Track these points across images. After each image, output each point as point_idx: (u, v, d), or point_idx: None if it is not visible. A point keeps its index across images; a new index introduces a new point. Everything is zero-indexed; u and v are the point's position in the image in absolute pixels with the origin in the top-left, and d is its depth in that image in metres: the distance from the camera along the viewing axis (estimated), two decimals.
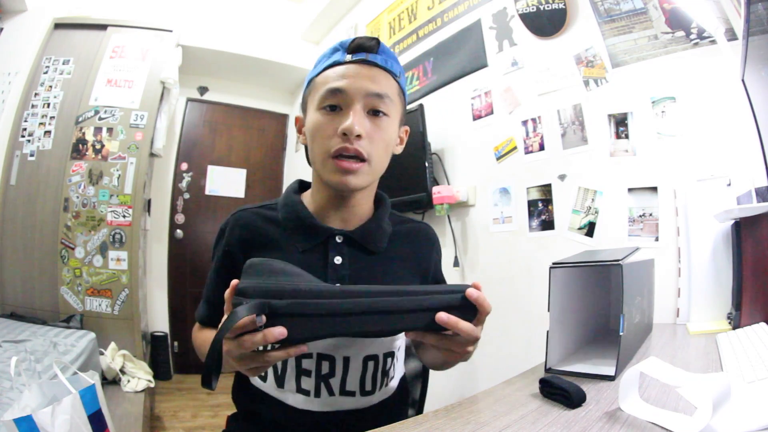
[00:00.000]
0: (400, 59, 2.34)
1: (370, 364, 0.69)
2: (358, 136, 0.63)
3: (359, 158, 0.65)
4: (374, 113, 0.66)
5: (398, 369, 0.78)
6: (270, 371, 0.69)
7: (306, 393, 0.67)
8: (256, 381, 0.72)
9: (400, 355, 0.78)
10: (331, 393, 0.67)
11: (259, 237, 0.71)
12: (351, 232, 0.71)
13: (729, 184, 1.05)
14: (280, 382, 0.68)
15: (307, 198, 0.75)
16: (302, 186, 0.78)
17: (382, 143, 0.68)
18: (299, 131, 0.75)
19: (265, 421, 0.71)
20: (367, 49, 0.67)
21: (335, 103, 0.65)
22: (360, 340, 0.68)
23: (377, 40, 0.68)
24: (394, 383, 0.76)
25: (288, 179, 3.77)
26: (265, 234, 0.71)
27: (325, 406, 0.68)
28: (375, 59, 0.67)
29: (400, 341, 0.76)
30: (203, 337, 0.72)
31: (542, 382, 0.59)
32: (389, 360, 0.72)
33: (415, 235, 0.79)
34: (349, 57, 0.67)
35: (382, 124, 0.67)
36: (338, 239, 0.70)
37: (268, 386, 0.70)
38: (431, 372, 1.00)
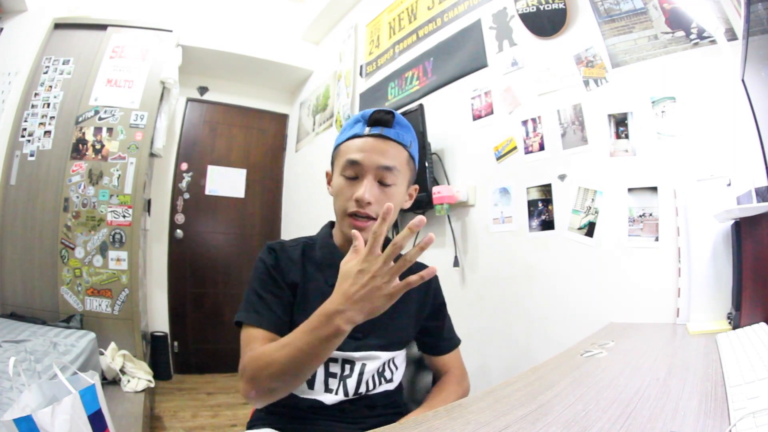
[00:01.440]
0: (400, 59, 2.39)
1: (377, 371, 0.86)
2: (368, 203, 0.78)
3: (369, 218, 0.79)
4: (383, 183, 0.81)
5: (393, 372, 0.90)
6: None
7: (331, 391, 0.82)
8: None
9: (397, 362, 0.92)
10: (346, 393, 0.82)
11: (296, 269, 0.86)
12: None
13: (729, 184, 1.05)
14: (310, 384, 0.82)
15: (335, 236, 0.90)
16: (332, 224, 0.93)
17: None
18: (329, 183, 0.89)
19: (291, 413, 0.83)
20: (384, 123, 0.81)
21: (353, 172, 0.81)
22: (376, 354, 0.84)
23: (393, 114, 0.81)
24: (388, 385, 0.89)
25: (288, 179, 3.77)
26: (302, 268, 0.86)
27: (340, 399, 0.82)
28: (389, 133, 0.81)
29: (396, 353, 0.90)
30: (284, 341, 0.73)
31: None
32: (385, 365, 0.87)
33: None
34: (367, 130, 0.81)
35: (389, 192, 0.81)
36: None
37: (303, 387, 0.82)
38: None
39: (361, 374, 0.82)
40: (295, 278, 0.84)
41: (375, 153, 0.80)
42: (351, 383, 0.82)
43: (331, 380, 0.82)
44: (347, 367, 0.83)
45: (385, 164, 0.79)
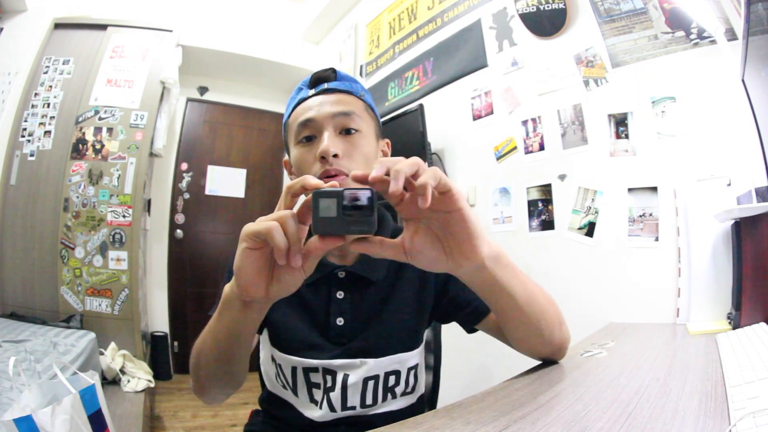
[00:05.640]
0: (400, 59, 2.39)
1: (370, 383, 0.73)
2: (335, 156, 0.66)
3: (341, 174, 0.66)
4: (346, 132, 0.69)
5: (410, 386, 0.77)
6: (286, 383, 0.74)
7: (316, 403, 0.72)
8: (277, 389, 0.77)
9: (416, 373, 0.78)
10: (332, 408, 0.71)
11: None
12: (351, 267, 0.74)
13: (729, 184, 1.05)
14: (294, 392, 0.73)
15: None
16: None
17: (362, 158, 0.69)
18: (290, 173, 0.78)
19: (285, 424, 0.76)
20: (325, 79, 0.72)
21: (309, 134, 0.69)
22: (361, 363, 0.71)
23: (333, 69, 0.73)
24: (403, 400, 0.77)
25: (288, 179, 3.76)
26: None
27: (331, 416, 0.72)
28: (334, 86, 0.72)
29: (411, 361, 0.76)
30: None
31: None
32: (392, 378, 0.74)
33: None
34: (312, 92, 0.72)
35: (356, 141, 0.69)
36: (340, 275, 0.73)
37: (289, 395, 0.75)
38: (443, 368, 1.03)
39: (344, 387, 0.71)
40: None
41: (326, 104, 0.70)
42: (335, 397, 0.71)
43: (315, 391, 0.72)
44: (329, 378, 0.72)
45: (340, 110, 0.69)
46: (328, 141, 0.66)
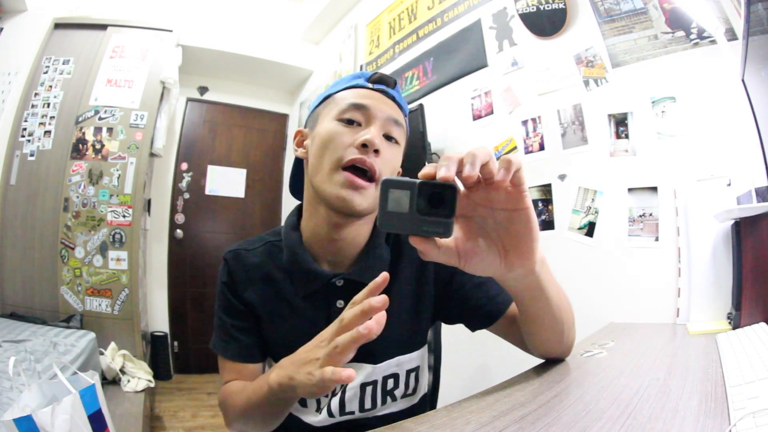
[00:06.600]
0: (400, 59, 2.39)
1: (368, 388, 0.72)
2: (376, 152, 0.63)
3: (370, 177, 0.63)
4: (388, 138, 0.68)
5: (411, 388, 0.77)
6: None
7: (321, 411, 0.72)
8: None
9: (417, 375, 0.78)
10: (331, 414, 0.71)
11: (255, 282, 0.73)
12: (349, 274, 0.70)
13: (729, 184, 1.05)
14: (303, 402, 0.72)
15: (305, 226, 0.73)
16: (300, 215, 0.75)
17: (391, 167, 0.68)
18: (299, 145, 0.75)
19: (283, 430, 0.74)
20: (386, 83, 0.71)
21: (354, 118, 0.66)
22: (360, 368, 0.70)
23: (395, 80, 0.73)
24: (403, 402, 0.76)
25: (288, 179, 3.76)
26: (265, 277, 0.72)
27: (330, 421, 0.72)
28: (393, 94, 0.71)
29: (411, 364, 0.76)
30: (252, 388, 0.65)
31: None
32: (390, 381, 0.74)
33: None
34: (371, 86, 0.70)
35: (393, 150, 0.68)
36: (338, 283, 0.70)
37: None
38: (443, 368, 1.03)
39: (342, 393, 0.71)
40: (252, 296, 0.72)
41: (384, 103, 0.68)
42: (333, 403, 0.71)
43: (322, 399, 0.72)
44: (337, 385, 0.73)
45: (394, 116, 0.68)
46: (375, 134, 0.64)
